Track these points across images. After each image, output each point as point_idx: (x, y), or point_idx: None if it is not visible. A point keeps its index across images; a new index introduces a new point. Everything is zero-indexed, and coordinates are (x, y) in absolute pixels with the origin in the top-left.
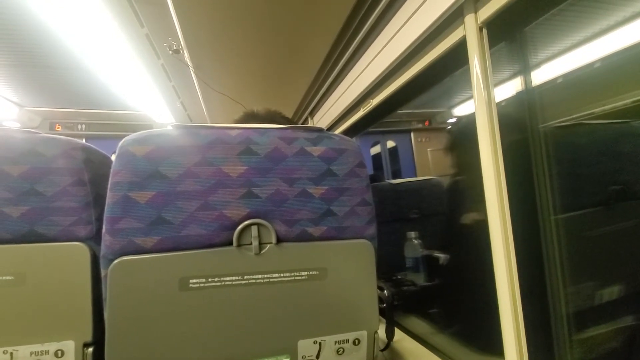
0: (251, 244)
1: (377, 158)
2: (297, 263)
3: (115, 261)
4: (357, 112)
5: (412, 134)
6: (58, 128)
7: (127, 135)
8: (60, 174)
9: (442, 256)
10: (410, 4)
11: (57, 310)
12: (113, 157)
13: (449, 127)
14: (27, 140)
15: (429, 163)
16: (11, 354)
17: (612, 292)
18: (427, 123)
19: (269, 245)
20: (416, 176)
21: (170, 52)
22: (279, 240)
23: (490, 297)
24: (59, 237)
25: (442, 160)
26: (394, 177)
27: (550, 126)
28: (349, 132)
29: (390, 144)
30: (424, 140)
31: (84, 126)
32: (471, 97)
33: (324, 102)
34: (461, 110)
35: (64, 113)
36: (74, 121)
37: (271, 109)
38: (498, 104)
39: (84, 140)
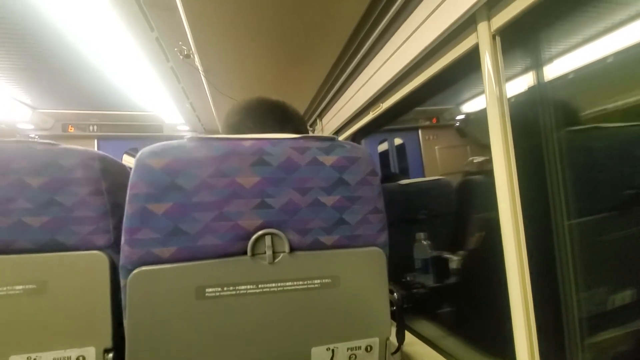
0: (265, 253)
1: (384, 156)
2: (310, 271)
3: (135, 271)
4: (366, 115)
5: (419, 132)
6: (71, 129)
7: (138, 135)
8: (78, 184)
9: (451, 257)
10: (421, 11)
11: (78, 317)
12: (125, 157)
13: (458, 124)
14: (46, 151)
15: (437, 161)
16: None
17: (624, 296)
18: (434, 120)
19: (282, 255)
20: (424, 174)
21: (181, 56)
22: (292, 250)
23: (502, 301)
24: (78, 246)
25: (450, 158)
26: (402, 176)
27: (564, 130)
28: (358, 134)
29: (398, 141)
30: (431, 137)
31: (95, 127)
32: (481, 92)
33: (333, 105)
34: (470, 107)
35: (76, 115)
36: (86, 122)
37: (264, 98)
38: (510, 107)
39: (95, 141)
